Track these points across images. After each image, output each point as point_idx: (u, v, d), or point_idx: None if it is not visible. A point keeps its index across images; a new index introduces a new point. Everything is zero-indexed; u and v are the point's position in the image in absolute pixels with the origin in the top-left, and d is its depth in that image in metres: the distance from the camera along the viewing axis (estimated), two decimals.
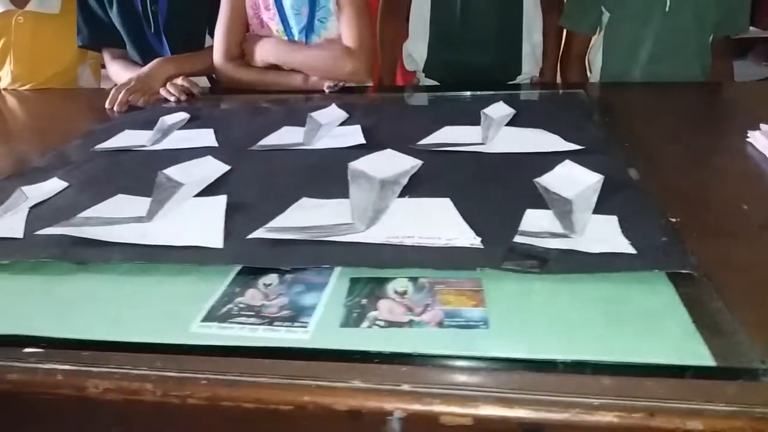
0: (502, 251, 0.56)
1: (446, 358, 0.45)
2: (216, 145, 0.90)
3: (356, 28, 1.16)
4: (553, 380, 0.43)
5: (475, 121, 0.94)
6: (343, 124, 0.97)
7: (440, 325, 0.48)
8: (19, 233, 0.65)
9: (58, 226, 0.64)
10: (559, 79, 1.44)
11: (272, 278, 0.56)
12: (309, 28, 1.21)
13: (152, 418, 0.46)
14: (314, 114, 1.00)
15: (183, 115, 1.03)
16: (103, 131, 0.99)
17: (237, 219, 0.66)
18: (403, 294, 0.52)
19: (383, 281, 0.54)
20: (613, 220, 0.62)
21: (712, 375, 0.43)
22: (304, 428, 0.44)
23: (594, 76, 1.35)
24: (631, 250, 0.55)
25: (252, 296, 0.53)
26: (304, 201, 0.69)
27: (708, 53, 1.28)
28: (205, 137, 0.93)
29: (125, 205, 0.70)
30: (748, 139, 0.86)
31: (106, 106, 1.13)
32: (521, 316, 0.49)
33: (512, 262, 0.55)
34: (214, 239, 0.61)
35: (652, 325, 0.47)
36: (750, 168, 0.78)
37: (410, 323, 0.48)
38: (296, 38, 1.22)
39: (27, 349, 0.48)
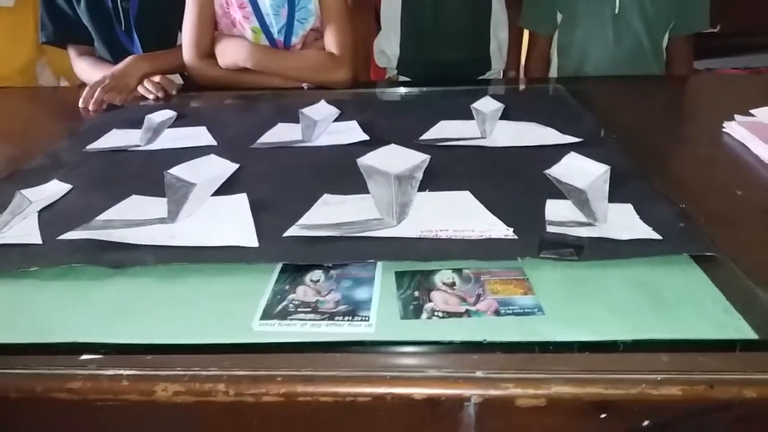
0: (536, 241, 0.59)
1: (514, 345, 0.47)
2: (215, 143, 0.89)
3: (342, 35, 1.17)
4: (616, 359, 0.46)
5: (466, 115, 0.97)
6: (337, 120, 0.98)
7: (497, 313, 0.50)
8: (37, 238, 0.62)
9: (80, 230, 0.62)
10: (523, 76, 1.49)
11: (318, 274, 0.56)
12: (288, 29, 1.20)
13: (225, 419, 0.46)
14: (306, 110, 1.00)
15: (170, 113, 1.01)
16: (88, 131, 0.96)
17: (263, 217, 0.66)
18: (451, 285, 0.54)
19: (428, 274, 0.56)
20: (629, 208, 0.65)
21: (757, 347, 0.46)
22: (382, 418, 0.45)
23: (552, 73, 1.41)
24: (656, 236, 0.59)
25: (304, 293, 0.53)
26: (327, 197, 0.70)
27: (662, 53, 1.35)
28: (201, 135, 0.92)
29: (142, 206, 0.69)
30: (724, 130, 0.92)
31: (80, 104, 1.09)
32: (571, 302, 0.51)
33: (550, 251, 0.57)
34: (249, 238, 0.61)
35: (692, 305, 0.50)
36: (733, 156, 0.84)
37: (468, 313, 0.50)
38: (275, 38, 1.21)
39: (84, 356, 0.47)
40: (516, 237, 0.60)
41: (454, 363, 0.46)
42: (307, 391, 0.45)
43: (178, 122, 0.99)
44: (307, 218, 0.65)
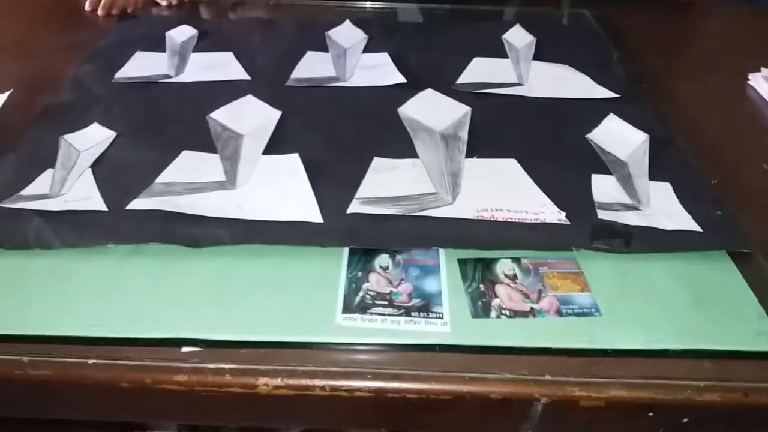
0: (588, 228, 0.63)
1: (578, 351, 0.52)
2: (248, 77, 0.87)
3: None
4: (666, 365, 0.52)
5: (498, 48, 0.96)
6: (366, 49, 0.95)
7: (559, 313, 0.55)
8: (101, 204, 0.63)
9: (145, 196, 0.63)
10: None
11: (385, 259, 0.60)
12: None
13: (320, 411, 0.51)
14: (332, 34, 0.96)
15: (190, 31, 0.96)
16: (109, 50, 0.92)
17: (318, 183, 0.67)
18: (513, 278, 0.58)
19: (489, 262, 0.60)
20: (668, 188, 0.69)
21: None
22: (460, 414, 0.51)
23: None
24: (697, 228, 0.63)
25: (377, 282, 0.57)
26: (378, 162, 0.71)
27: None
28: (232, 66, 0.89)
29: (196, 164, 0.69)
30: (749, 82, 0.94)
31: (87, 7, 1.03)
32: (623, 300, 0.56)
33: (602, 241, 0.61)
34: (312, 212, 0.63)
35: (729, 310, 0.56)
36: (758, 118, 0.86)
37: (532, 312, 0.55)
38: None
39: (185, 349, 0.51)
40: (568, 222, 0.63)
41: (524, 365, 0.51)
42: (394, 387, 0.50)
43: (200, 43, 0.95)
44: (364, 190, 0.67)
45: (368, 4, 1.13)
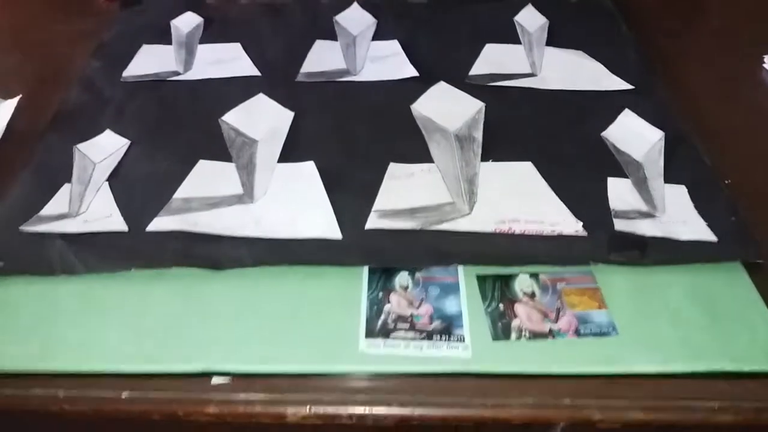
0: (604, 239, 0.63)
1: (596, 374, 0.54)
2: (258, 73, 0.85)
3: None
4: (681, 386, 0.54)
5: (510, 31, 0.94)
6: (376, 36, 0.93)
7: (577, 333, 0.56)
8: (121, 224, 0.64)
9: (164, 215, 0.64)
10: None
11: (405, 278, 0.60)
12: None
13: None
14: (340, 19, 0.95)
15: (195, 19, 0.94)
16: (114, 43, 0.91)
17: (336, 192, 0.67)
18: (531, 296, 0.59)
19: (508, 279, 0.60)
20: (683, 192, 0.69)
21: None
22: None
23: None
24: (712, 237, 0.64)
25: (398, 303, 0.58)
26: (393, 168, 0.71)
27: None
28: (241, 60, 0.88)
29: (212, 175, 0.69)
30: (764, 65, 0.92)
31: None
32: (640, 318, 0.57)
33: (618, 254, 0.62)
34: (331, 228, 0.64)
35: (743, 326, 0.57)
36: None
37: (551, 333, 0.56)
38: None
39: (215, 381, 0.53)
40: (585, 233, 0.64)
41: (544, 388, 0.53)
42: (418, 414, 0.52)
43: (206, 33, 0.93)
44: (381, 201, 0.67)
45: None
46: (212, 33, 0.93)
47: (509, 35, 0.93)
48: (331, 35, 0.92)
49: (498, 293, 0.59)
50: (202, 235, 0.62)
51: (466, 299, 0.59)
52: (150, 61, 0.87)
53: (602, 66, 0.87)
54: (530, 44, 0.91)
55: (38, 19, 1.00)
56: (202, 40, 0.91)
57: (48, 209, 0.65)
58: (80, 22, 0.96)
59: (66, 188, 0.67)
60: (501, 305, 0.58)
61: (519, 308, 0.58)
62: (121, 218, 0.64)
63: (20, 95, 0.78)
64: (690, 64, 0.92)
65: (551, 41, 0.92)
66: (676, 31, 1.00)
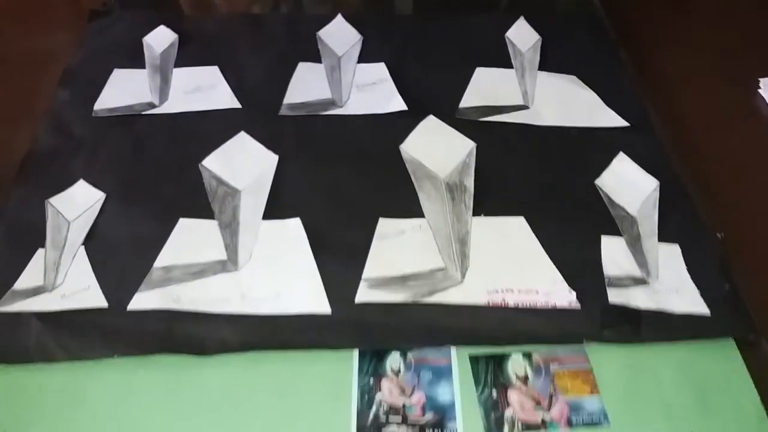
0: (598, 313, 0.62)
1: None
2: (238, 105, 0.81)
3: None
4: None
5: (501, 49, 0.90)
6: (362, 55, 0.89)
7: (569, 424, 0.56)
8: (99, 298, 0.61)
9: (146, 290, 0.61)
10: None
11: (397, 359, 0.59)
12: None
13: None
14: (323, 35, 0.90)
15: (169, 35, 0.88)
16: (84, 68, 0.85)
17: (323, 255, 0.65)
18: (525, 380, 0.59)
19: (501, 360, 0.60)
20: (676, 252, 0.68)
21: None
22: None
23: None
24: (705, 311, 0.63)
25: (390, 391, 0.57)
26: (383, 226, 0.69)
27: None
28: (219, 88, 0.83)
29: (194, 237, 0.67)
30: (760, 90, 0.90)
31: None
32: (631, 403, 0.57)
33: (612, 330, 0.61)
34: (320, 302, 0.62)
35: (732, 408, 0.57)
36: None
37: (544, 424, 0.56)
38: None
39: None
40: (579, 306, 0.63)
41: None
42: None
43: (182, 52, 0.87)
44: (371, 267, 0.65)
45: None
46: (188, 52, 0.88)
47: (501, 55, 0.90)
48: (315, 55, 0.88)
49: (491, 377, 0.59)
50: (185, 313, 0.60)
51: (458, 385, 0.58)
52: (122, 90, 0.81)
53: (596, 96, 0.84)
54: (522, 68, 0.88)
55: (4, 33, 0.92)
56: (178, 62, 0.86)
57: (22, 282, 0.62)
58: (48, 38, 0.89)
59: (40, 254, 0.64)
60: (494, 391, 0.58)
61: (512, 395, 0.58)
62: (100, 292, 0.61)
63: None
64: (686, 90, 0.90)
65: (544, 62, 0.88)
66: (672, 50, 0.96)
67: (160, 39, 0.88)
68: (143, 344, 0.58)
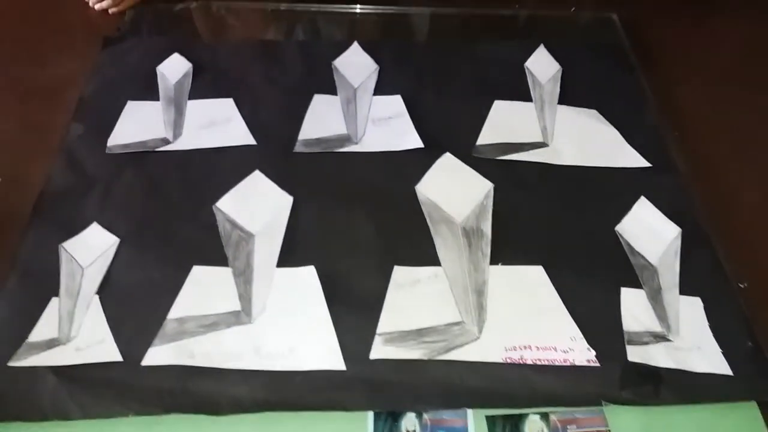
0: (617, 372, 0.61)
1: None
2: (253, 141, 0.80)
3: None
4: None
5: (520, 80, 0.89)
6: (377, 86, 0.87)
7: None
8: (114, 352, 0.61)
9: (160, 344, 0.61)
10: None
11: (412, 420, 0.59)
12: None
13: None
14: (339, 65, 0.89)
15: (183, 65, 0.88)
16: (98, 100, 0.84)
17: (337, 305, 0.65)
18: None
19: (518, 420, 0.59)
20: (698, 305, 0.67)
21: None
22: None
23: None
24: (728, 371, 0.62)
25: None
26: (398, 275, 0.68)
27: None
28: (234, 123, 0.82)
29: (208, 286, 0.66)
30: None
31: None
32: None
33: (630, 391, 0.60)
34: (334, 358, 0.61)
35: None
36: None
37: None
38: None
39: None
40: (598, 364, 0.62)
41: None
42: None
43: (196, 83, 0.86)
44: (386, 320, 0.64)
45: (358, 8, 1.02)
46: (202, 83, 0.87)
47: (519, 84, 0.88)
48: (330, 85, 0.87)
49: None
50: (199, 369, 0.59)
51: None
52: (136, 124, 0.81)
53: (617, 133, 0.83)
54: (542, 101, 0.86)
55: (18, 62, 0.92)
56: (192, 94, 0.85)
57: (37, 334, 0.62)
58: (60, 66, 0.89)
59: (54, 303, 0.64)
60: None
61: None
62: (115, 345, 0.61)
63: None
64: (711, 123, 0.88)
65: (564, 93, 0.87)
66: (695, 77, 0.94)
67: (174, 68, 0.87)
68: (158, 403, 0.57)
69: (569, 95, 0.87)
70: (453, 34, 0.99)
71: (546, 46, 0.93)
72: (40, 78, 0.88)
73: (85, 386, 0.58)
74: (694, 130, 0.86)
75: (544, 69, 0.90)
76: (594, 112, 0.86)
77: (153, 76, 0.86)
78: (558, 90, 0.88)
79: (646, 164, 0.79)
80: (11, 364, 0.59)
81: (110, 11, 0.98)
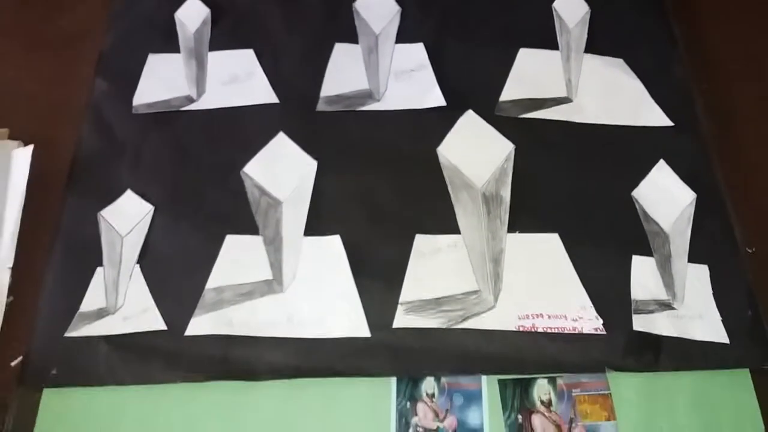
0: (622, 340, 0.66)
1: None
2: (276, 100, 0.80)
3: None
4: None
5: (546, 24, 0.86)
6: (399, 33, 0.86)
7: None
8: (159, 321, 0.66)
9: (201, 314, 0.66)
10: None
11: (431, 384, 0.65)
12: None
13: None
14: (359, 6, 0.87)
15: (201, 10, 0.86)
16: (118, 54, 0.83)
17: (362, 275, 0.69)
18: (548, 405, 0.64)
19: (527, 385, 0.65)
20: (704, 274, 0.70)
21: None
22: None
23: None
24: (725, 339, 0.66)
25: (424, 413, 0.63)
26: (419, 242, 0.71)
27: None
28: (256, 79, 0.81)
29: (241, 255, 0.70)
30: None
31: None
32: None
33: (632, 359, 0.65)
34: (360, 326, 0.66)
35: None
36: None
37: None
38: None
39: None
40: (604, 332, 0.66)
41: None
42: None
43: (215, 32, 0.85)
44: (407, 289, 0.68)
45: None
46: (221, 30, 0.86)
47: (546, 30, 0.86)
48: (351, 32, 0.85)
49: (517, 402, 0.64)
50: (238, 338, 0.65)
51: (488, 409, 0.64)
52: (159, 80, 0.81)
53: (642, 86, 0.82)
54: (568, 49, 0.85)
55: (28, 17, 0.90)
56: (212, 44, 0.85)
57: (87, 303, 0.67)
58: (73, 16, 0.87)
59: (99, 273, 0.68)
60: (519, 416, 0.63)
61: (535, 420, 0.63)
62: (158, 314, 0.66)
63: (33, 145, 0.75)
64: (741, 76, 0.85)
65: (591, 38, 0.85)
66: (727, 25, 0.90)
67: (192, 14, 0.86)
68: (201, 370, 0.64)
69: (597, 40, 0.85)
70: None
71: None
72: (56, 25, 0.87)
73: (135, 354, 0.64)
74: (722, 82, 0.84)
75: (573, 10, 0.87)
76: (620, 61, 0.84)
77: (171, 23, 0.85)
78: (585, 36, 0.85)
79: (669, 123, 0.79)
80: (68, 335, 0.65)
81: None
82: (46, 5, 0.90)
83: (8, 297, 0.68)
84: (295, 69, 0.83)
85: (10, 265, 0.69)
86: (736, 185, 0.76)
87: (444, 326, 0.67)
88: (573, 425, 0.63)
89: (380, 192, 0.74)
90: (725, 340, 0.67)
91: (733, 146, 0.80)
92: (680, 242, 0.72)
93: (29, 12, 0.90)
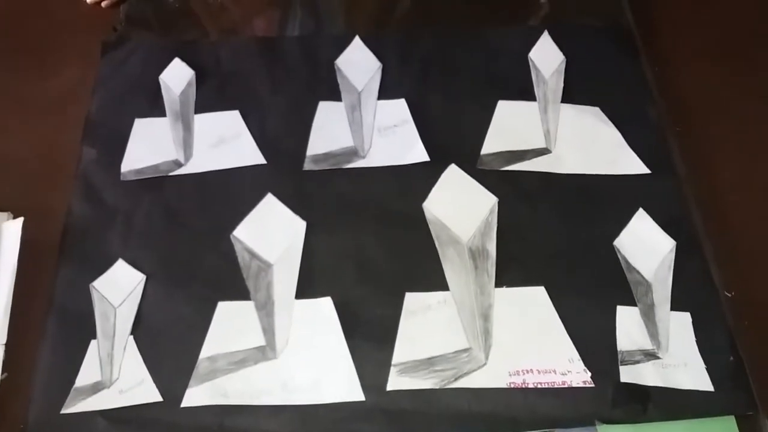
0: (610, 391, 0.68)
1: None
2: (263, 161, 0.81)
3: None
4: None
5: (524, 74, 0.89)
6: (381, 89, 0.88)
7: None
8: (154, 393, 0.67)
9: (196, 384, 0.67)
10: None
11: None
12: None
13: None
14: (341, 63, 0.89)
15: (186, 72, 0.88)
16: (103, 120, 0.84)
17: (354, 337, 0.70)
18: None
19: None
20: (687, 321, 0.72)
21: None
22: None
23: None
24: (709, 387, 0.68)
25: None
26: (410, 301, 0.73)
27: None
28: (242, 140, 0.82)
29: (234, 321, 0.71)
30: None
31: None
32: None
33: (621, 410, 0.67)
34: (354, 390, 0.67)
35: None
36: None
37: None
38: None
39: None
40: (593, 385, 0.68)
41: None
42: None
43: (200, 92, 0.87)
44: (400, 350, 0.70)
45: None
46: (207, 91, 0.87)
47: (524, 79, 0.89)
48: (335, 92, 0.87)
49: None
50: (233, 407, 0.66)
51: None
52: (147, 146, 0.82)
53: (618, 134, 0.84)
54: (545, 100, 0.87)
55: (19, 75, 0.91)
56: (198, 105, 0.86)
57: (82, 378, 0.67)
58: (60, 78, 0.88)
59: (94, 346, 0.69)
60: None
61: None
62: (154, 386, 0.67)
63: (23, 217, 0.76)
64: (715, 115, 0.88)
65: (567, 88, 0.88)
66: (710, 82, 0.92)
67: (176, 76, 0.87)
68: None
69: (572, 88, 0.88)
70: (455, 19, 0.97)
71: (550, 33, 0.92)
72: (42, 90, 0.88)
73: (133, 428, 0.65)
74: (697, 126, 0.87)
75: (548, 60, 0.90)
76: (597, 110, 0.86)
77: (156, 86, 0.87)
78: (561, 85, 0.88)
79: (646, 171, 0.81)
80: (64, 411, 0.65)
81: (103, 4, 0.95)
82: (32, 69, 0.90)
83: (2, 374, 0.68)
84: (281, 129, 0.84)
85: (4, 341, 0.69)
86: (713, 228, 0.78)
87: (437, 386, 0.68)
88: None
89: (369, 251, 0.76)
90: (710, 387, 0.68)
91: (708, 188, 0.82)
92: (662, 290, 0.74)
93: (13, 77, 0.90)
